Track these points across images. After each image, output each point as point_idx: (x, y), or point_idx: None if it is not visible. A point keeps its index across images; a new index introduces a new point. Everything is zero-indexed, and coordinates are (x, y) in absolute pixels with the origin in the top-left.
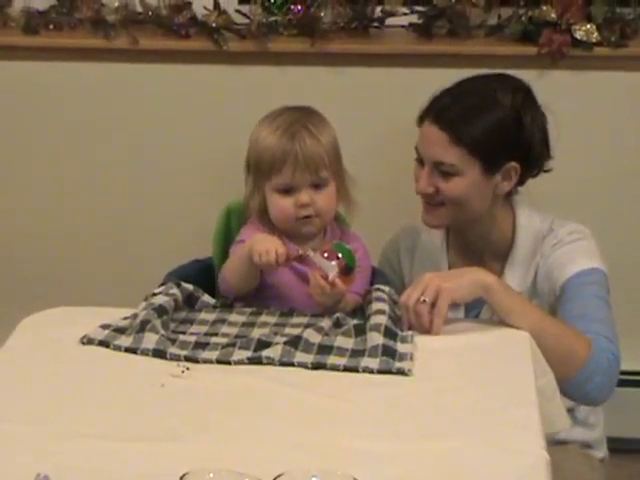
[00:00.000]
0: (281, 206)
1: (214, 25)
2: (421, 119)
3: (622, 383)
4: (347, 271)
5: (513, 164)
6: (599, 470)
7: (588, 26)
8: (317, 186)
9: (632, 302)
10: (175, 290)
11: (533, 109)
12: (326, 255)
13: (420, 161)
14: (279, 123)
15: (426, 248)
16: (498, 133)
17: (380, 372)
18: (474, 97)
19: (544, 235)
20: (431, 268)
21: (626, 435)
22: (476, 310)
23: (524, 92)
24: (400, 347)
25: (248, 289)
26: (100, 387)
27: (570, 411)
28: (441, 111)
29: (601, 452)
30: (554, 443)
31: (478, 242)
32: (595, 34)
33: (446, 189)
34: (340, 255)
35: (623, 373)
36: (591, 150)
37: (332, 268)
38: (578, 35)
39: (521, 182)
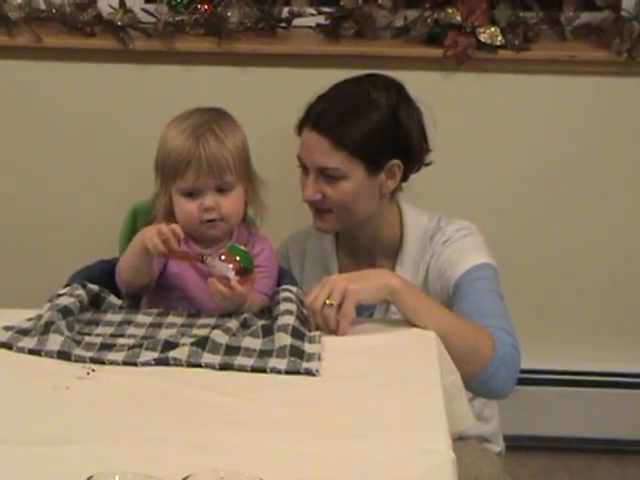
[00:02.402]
0: (186, 209)
1: (120, 23)
2: (300, 128)
3: (528, 382)
4: (244, 273)
5: (395, 161)
6: (497, 464)
7: (492, 29)
8: (222, 190)
9: (522, 301)
10: (80, 291)
11: (408, 104)
12: (223, 258)
13: (304, 169)
14: (187, 125)
15: (315, 252)
16: (378, 132)
17: (288, 372)
18: (349, 100)
19: (433, 233)
20: (321, 271)
21: (528, 433)
22: (369, 311)
23: (396, 89)
24: (308, 347)
25: (140, 283)
26: (2, 390)
27: None
28: (319, 117)
29: (498, 446)
30: (454, 439)
31: (368, 243)
32: (499, 37)
33: (333, 194)
34: (237, 258)
35: (532, 372)
36: (495, 152)
37: (229, 271)
38: (483, 38)
39: (404, 178)
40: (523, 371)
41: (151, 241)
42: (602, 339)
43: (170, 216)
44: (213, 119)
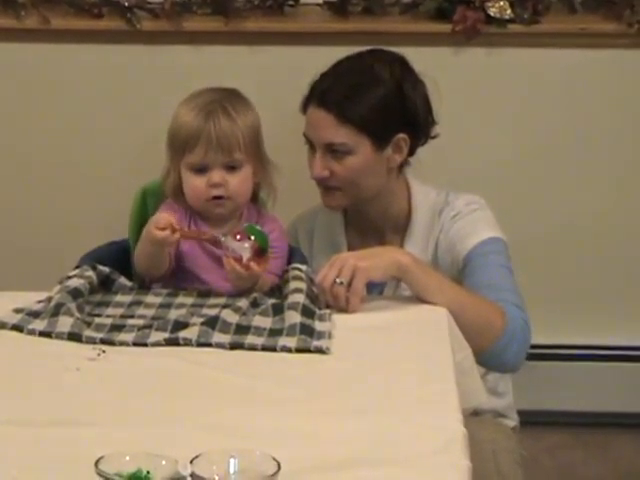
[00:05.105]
0: (193, 185)
1: (127, 4)
2: (305, 106)
3: (545, 357)
4: (260, 253)
5: (402, 135)
6: (513, 439)
7: (501, 3)
8: (231, 168)
9: (537, 275)
10: (90, 273)
11: (412, 78)
12: (238, 238)
13: (311, 147)
14: (198, 102)
15: (324, 230)
16: (383, 107)
17: (298, 351)
18: (353, 75)
19: (441, 208)
20: (330, 249)
21: (544, 408)
22: (380, 287)
23: (400, 63)
24: (318, 325)
25: (159, 273)
26: (14, 372)
27: None
28: (324, 94)
29: (513, 421)
30: (468, 414)
31: (377, 219)
32: (508, 11)
33: (341, 170)
34: (252, 237)
35: (548, 347)
36: (505, 127)
37: (245, 250)
38: (492, 12)
39: (411, 152)
40: (541, 346)
41: (160, 235)
42: (619, 312)
43: (179, 194)
44: (226, 98)
